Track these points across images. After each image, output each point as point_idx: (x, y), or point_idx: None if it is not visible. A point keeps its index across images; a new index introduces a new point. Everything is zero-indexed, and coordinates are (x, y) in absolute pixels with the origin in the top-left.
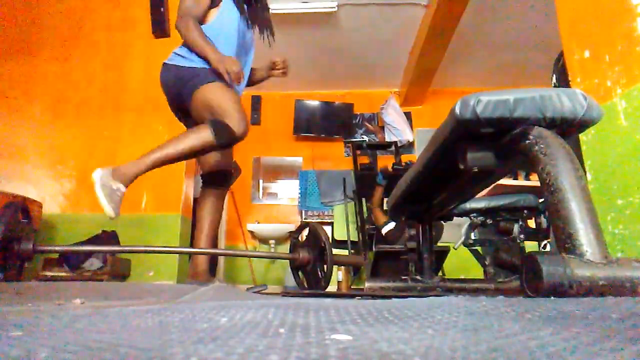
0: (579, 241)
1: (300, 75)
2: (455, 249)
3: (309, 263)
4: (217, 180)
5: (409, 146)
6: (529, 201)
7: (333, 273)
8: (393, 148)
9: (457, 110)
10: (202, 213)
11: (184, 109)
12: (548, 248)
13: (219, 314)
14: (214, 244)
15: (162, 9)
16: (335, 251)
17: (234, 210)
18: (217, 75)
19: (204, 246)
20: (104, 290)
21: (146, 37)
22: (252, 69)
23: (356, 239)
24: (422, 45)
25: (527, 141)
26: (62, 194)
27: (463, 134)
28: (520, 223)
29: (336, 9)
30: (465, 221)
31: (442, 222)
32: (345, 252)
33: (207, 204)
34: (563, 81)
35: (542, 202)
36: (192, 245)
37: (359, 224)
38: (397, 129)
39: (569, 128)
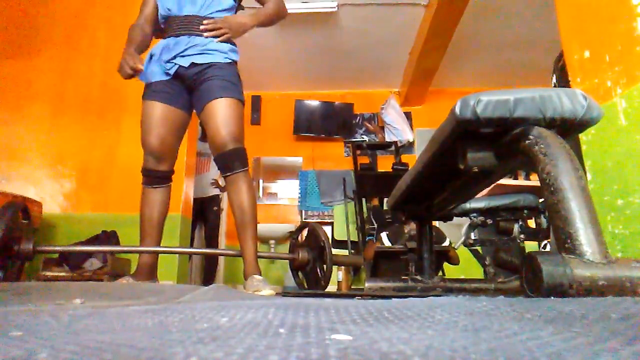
0: (579, 241)
1: (300, 75)
2: (456, 249)
3: (309, 263)
4: (222, 163)
5: (409, 146)
6: (529, 201)
7: (333, 273)
8: (393, 148)
9: (457, 110)
10: (231, 207)
11: None
12: (548, 248)
13: (219, 314)
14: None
15: None
16: (335, 251)
17: None
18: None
19: (250, 245)
20: (104, 290)
21: None
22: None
23: (356, 239)
24: (422, 45)
25: (527, 141)
26: (62, 194)
27: (463, 134)
28: (520, 223)
29: (336, 9)
30: (465, 221)
31: (442, 223)
32: (345, 252)
33: (229, 194)
34: (563, 81)
35: (542, 202)
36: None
37: (359, 224)
38: (397, 129)
39: (569, 128)
